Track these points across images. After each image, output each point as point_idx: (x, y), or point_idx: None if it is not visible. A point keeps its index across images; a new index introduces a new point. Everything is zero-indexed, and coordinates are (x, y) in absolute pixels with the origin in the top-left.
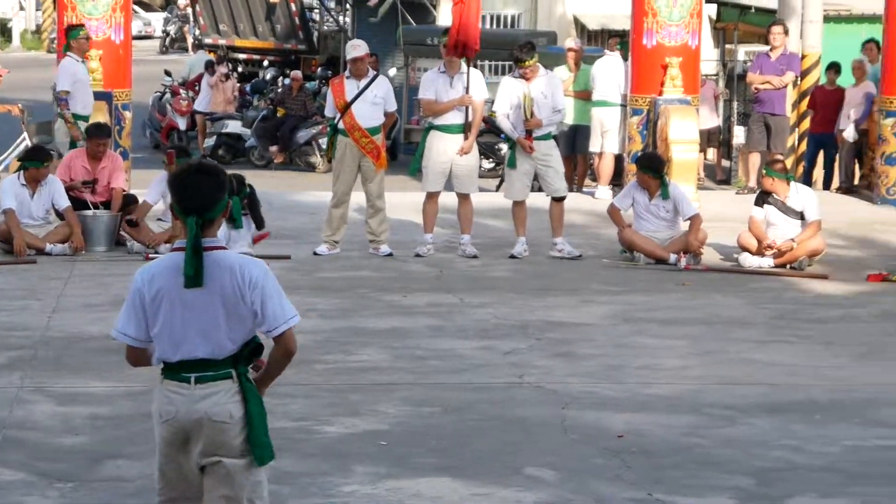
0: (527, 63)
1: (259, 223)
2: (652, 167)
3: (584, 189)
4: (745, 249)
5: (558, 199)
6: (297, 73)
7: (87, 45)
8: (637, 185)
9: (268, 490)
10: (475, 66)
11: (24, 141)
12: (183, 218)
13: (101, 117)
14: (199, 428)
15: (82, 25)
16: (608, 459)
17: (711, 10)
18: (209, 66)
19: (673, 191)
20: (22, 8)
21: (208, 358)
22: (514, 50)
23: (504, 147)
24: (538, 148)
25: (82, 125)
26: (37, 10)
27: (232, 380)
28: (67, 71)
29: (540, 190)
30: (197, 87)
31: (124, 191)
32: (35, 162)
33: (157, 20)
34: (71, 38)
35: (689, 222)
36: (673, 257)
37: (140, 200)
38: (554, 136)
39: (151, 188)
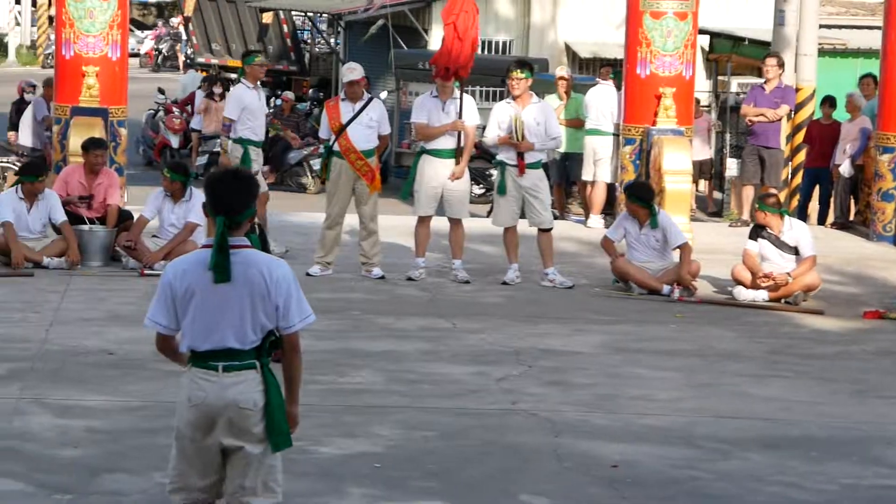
0: (514, 73)
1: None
2: (640, 196)
3: (574, 217)
4: (739, 283)
5: (545, 231)
6: (289, 95)
7: (261, 71)
8: (627, 214)
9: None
10: (466, 92)
11: None
12: (213, 216)
13: (98, 134)
14: (225, 413)
15: (259, 52)
16: (603, 489)
17: (704, 41)
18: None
19: (662, 220)
20: (18, 23)
21: (235, 348)
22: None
23: (494, 173)
24: (527, 176)
25: (253, 151)
26: (32, 25)
27: (256, 370)
28: (236, 98)
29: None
30: (189, 107)
31: (119, 207)
32: (30, 176)
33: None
34: (245, 63)
35: (679, 252)
36: (666, 288)
37: (136, 216)
38: (544, 165)
39: (148, 204)
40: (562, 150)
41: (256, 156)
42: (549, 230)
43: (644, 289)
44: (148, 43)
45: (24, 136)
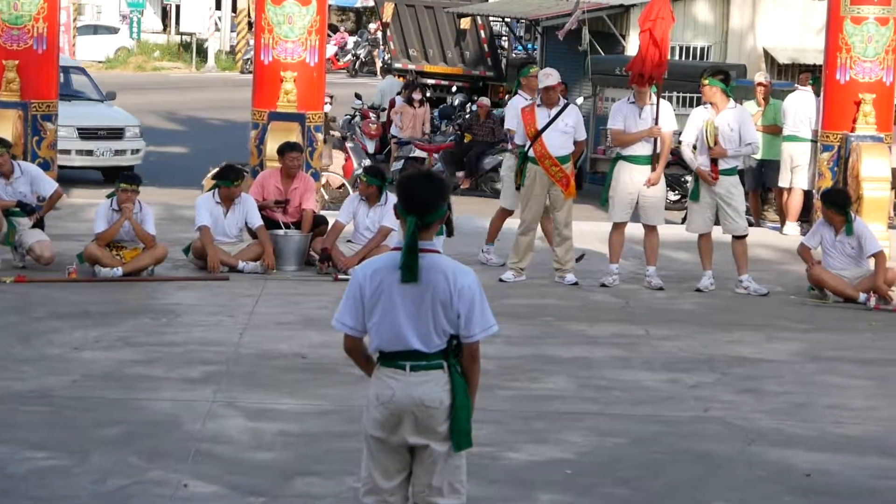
0: (701, 80)
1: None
2: (836, 202)
3: (770, 224)
4: None
5: (739, 237)
6: (485, 100)
7: (535, 82)
8: (824, 221)
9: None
10: (663, 98)
11: None
12: (404, 217)
13: (294, 139)
14: (412, 411)
15: (533, 62)
16: (796, 498)
17: None
18: (406, 91)
19: (857, 227)
20: (217, 29)
21: (420, 350)
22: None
23: (690, 179)
24: (721, 182)
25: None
26: (231, 31)
27: (443, 370)
28: (514, 108)
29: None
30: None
31: (314, 212)
32: (226, 181)
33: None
34: (521, 75)
35: (874, 260)
36: (863, 297)
37: (331, 222)
38: (739, 171)
39: (343, 208)
40: (758, 156)
41: None
42: (743, 237)
43: (840, 297)
44: (330, 49)
45: None
